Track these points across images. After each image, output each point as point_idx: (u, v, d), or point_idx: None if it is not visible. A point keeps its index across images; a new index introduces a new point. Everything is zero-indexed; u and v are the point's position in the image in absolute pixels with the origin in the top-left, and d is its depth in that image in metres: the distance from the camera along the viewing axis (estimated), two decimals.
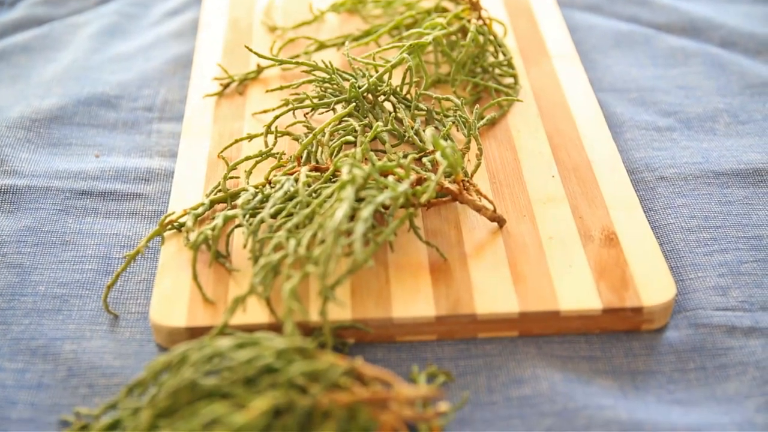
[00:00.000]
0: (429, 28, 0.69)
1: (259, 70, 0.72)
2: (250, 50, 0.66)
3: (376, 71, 0.65)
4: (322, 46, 0.74)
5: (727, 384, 0.52)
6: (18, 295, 0.57)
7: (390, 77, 0.65)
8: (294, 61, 0.67)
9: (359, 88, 0.63)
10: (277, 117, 0.63)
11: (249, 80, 0.73)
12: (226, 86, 0.72)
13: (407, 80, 0.66)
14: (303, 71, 0.66)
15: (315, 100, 0.65)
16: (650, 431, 0.48)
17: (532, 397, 0.51)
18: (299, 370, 0.45)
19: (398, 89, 0.65)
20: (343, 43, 0.75)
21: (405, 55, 0.65)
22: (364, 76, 0.65)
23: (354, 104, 0.63)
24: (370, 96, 0.65)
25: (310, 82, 0.65)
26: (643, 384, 0.52)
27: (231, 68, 0.74)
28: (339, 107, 0.65)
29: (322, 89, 0.65)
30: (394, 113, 0.64)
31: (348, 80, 0.65)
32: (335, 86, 0.65)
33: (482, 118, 0.67)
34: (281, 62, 0.67)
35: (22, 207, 0.64)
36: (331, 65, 0.65)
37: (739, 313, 0.56)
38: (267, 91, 0.67)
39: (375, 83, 0.63)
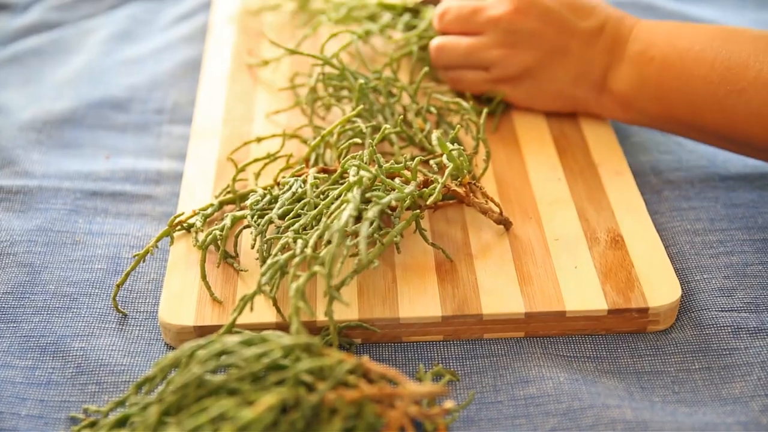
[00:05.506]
0: None
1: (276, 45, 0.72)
2: (272, 42, 0.67)
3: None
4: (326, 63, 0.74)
5: (732, 384, 0.52)
6: (28, 294, 0.58)
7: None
8: (306, 53, 0.67)
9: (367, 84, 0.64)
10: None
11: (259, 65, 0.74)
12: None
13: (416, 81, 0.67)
14: (313, 64, 0.67)
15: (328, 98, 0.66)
16: (655, 431, 0.49)
17: (538, 397, 0.51)
18: (306, 367, 0.45)
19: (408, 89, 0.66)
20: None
21: None
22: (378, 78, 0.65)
23: (362, 106, 0.64)
24: (381, 98, 0.65)
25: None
26: (648, 384, 0.52)
27: (239, 71, 0.75)
28: (348, 108, 0.66)
29: (335, 89, 0.66)
30: (403, 115, 0.65)
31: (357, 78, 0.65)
32: (345, 84, 0.66)
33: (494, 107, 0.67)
34: (292, 52, 0.67)
35: (34, 207, 0.64)
36: (341, 62, 0.66)
37: (744, 314, 0.56)
38: (279, 90, 0.68)
39: (387, 80, 0.64)
